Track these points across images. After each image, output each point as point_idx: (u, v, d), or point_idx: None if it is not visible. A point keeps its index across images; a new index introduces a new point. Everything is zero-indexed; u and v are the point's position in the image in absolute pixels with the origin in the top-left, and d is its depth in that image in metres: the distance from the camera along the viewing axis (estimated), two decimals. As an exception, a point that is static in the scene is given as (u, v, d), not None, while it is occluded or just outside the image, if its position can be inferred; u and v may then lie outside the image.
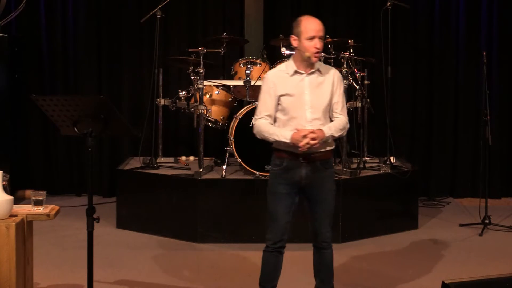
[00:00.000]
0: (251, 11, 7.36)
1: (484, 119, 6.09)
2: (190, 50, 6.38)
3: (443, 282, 3.17)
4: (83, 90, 7.41)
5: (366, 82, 6.57)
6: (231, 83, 6.39)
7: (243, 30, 7.39)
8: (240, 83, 6.23)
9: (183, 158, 6.89)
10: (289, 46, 6.32)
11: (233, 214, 5.76)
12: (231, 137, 5.85)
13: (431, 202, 7.28)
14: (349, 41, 6.19)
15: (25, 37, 7.32)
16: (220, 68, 7.14)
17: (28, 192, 6.76)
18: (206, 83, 6.12)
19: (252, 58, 6.44)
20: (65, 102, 3.66)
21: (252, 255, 5.35)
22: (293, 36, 3.89)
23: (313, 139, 3.75)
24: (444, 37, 7.49)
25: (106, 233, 5.92)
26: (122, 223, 6.16)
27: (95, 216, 3.70)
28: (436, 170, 7.53)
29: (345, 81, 5.85)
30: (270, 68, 6.40)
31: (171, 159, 6.81)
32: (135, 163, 6.55)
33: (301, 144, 3.74)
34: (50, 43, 7.42)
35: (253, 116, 4.00)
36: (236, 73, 6.49)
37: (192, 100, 6.44)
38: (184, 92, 6.50)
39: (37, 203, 3.85)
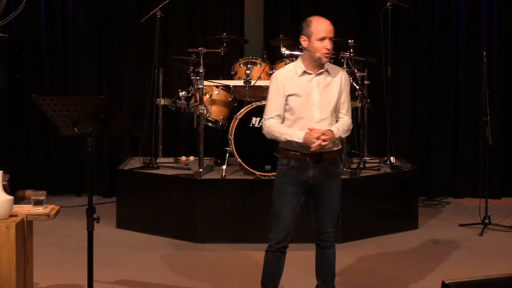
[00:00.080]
0: (251, 11, 7.36)
1: (484, 119, 6.09)
2: (190, 50, 6.38)
3: (443, 282, 3.17)
4: (83, 90, 7.41)
5: (366, 82, 6.58)
6: (231, 83, 6.39)
7: (243, 30, 7.39)
8: (240, 83, 6.23)
9: (183, 158, 6.89)
10: (289, 46, 6.37)
11: (233, 214, 5.76)
12: (231, 137, 5.85)
13: (431, 202, 7.28)
14: (349, 41, 6.19)
15: (25, 37, 7.32)
16: (220, 68, 7.14)
17: (28, 192, 6.76)
18: (206, 83, 6.12)
19: (252, 58, 6.45)
20: (65, 102, 3.65)
21: (252, 255, 5.36)
22: (302, 36, 3.88)
23: (324, 140, 3.76)
24: (444, 37, 7.49)
25: (106, 233, 5.92)
26: (122, 223, 6.16)
27: (95, 216, 3.70)
28: (436, 170, 7.54)
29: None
30: (270, 68, 6.43)
31: (171, 159, 6.82)
32: (135, 163, 6.55)
33: (313, 145, 3.75)
34: (50, 43, 7.42)
35: (262, 116, 3.98)
36: (236, 73, 6.49)
37: (192, 100, 6.44)
38: (184, 92, 6.50)
39: (37, 203, 3.84)
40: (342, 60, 6.10)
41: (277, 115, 3.90)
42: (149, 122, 6.45)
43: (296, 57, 6.28)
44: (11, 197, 3.71)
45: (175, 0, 6.86)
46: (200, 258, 5.37)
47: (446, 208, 7.09)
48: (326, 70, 3.91)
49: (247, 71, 6.24)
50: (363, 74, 6.48)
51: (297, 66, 3.93)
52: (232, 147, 5.84)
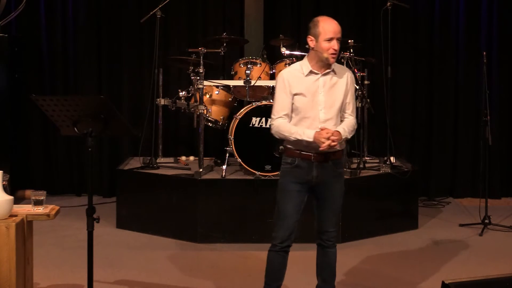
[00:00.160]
0: (251, 11, 7.36)
1: (484, 119, 6.09)
2: (190, 50, 6.38)
3: (443, 282, 3.17)
4: (83, 90, 7.41)
5: (366, 82, 6.58)
6: (231, 83, 6.39)
7: (243, 30, 7.39)
8: (240, 83, 6.23)
9: (183, 158, 6.89)
10: (289, 46, 6.37)
11: (233, 214, 5.76)
12: (231, 137, 5.85)
13: (431, 202, 7.28)
14: (349, 41, 6.19)
15: (25, 37, 7.32)
16: (220, 68, 7.14)
17: (28, 192, 6.77)
18: (206, 83, 6.12)
19: (252, 58, 6.45)
20: (65, 102, 3.65)
21: (252, 255, 5.36)
22: (310, 36, 3.87)
23: (333, 140, 3.77)
24: (444, 37, 7.49)
25: (106, 233, 5.92)
26: (122, 223, 6.16)
27: (95, 216, 3.69)
28: (436, 170, 7.54)
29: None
30: (270, 68, 6.44)
31: (171, 159, 6.82)
32: (135, 163, 6.55)
33: (323, 145, 3.74)
34: (50, 43, 7.42)
35: (271, 116, 3.96)
36: (236, 73, 6.50)
37: (192, 100, 6.44)
38: (184, 92, 6.50)
39: (37, 203, 3.84)
40: (342, 60, 6.10)
41: (285, 115, 3.90)
42: (149, 122, 6.45)
43: (296, 57, 6.31)
44: (11, 197, 3.71)
45: (175, 0, 6.86)
46: (200, 258, 5.37)
47: (446, 208, 7.09)
48: (333, 70, 3.91)
49: (247, 71, 6.25)
50: (363, 74, 6.48)
51: (304, 65, 3.92)
52: (232, 147, 5.84)
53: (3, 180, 3.71)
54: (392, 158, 6.47)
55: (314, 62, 3.89)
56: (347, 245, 5.66)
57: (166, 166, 6.41)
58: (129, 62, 7.48)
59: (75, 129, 3.72)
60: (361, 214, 5.89)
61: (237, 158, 5.83)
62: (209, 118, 6.35)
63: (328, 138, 3.75)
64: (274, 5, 7.52)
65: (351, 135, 3.98)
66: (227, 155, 5.96)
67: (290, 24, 7.52)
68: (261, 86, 6.28)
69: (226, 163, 5.93)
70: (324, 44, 3.81)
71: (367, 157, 6.61)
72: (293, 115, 3.91)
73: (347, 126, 3.92)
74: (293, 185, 3.92)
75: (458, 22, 7.46)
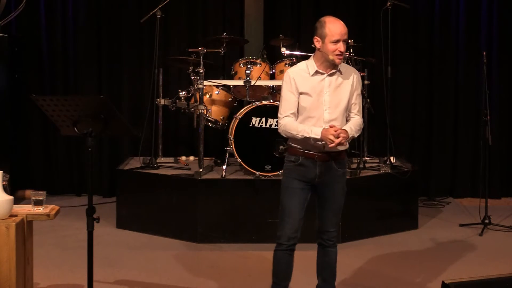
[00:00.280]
0: (251, 11, 7.36)
1: (484, 119, 6.09)
2: (190, 50, 6.38)
3: (443, 282, 3.17)
4: (83, 90, 7.41)
5: (366, 82, 6.57)
6: (231, 83, 6.39)
7: (243, 30, 7.39)
8: (240, 83, 6.24)
9: (183, 158, 6.89)
10: (289, 46, 6.37)
11: (233, 214, 5.76)
12: (231, 137, 5.85)
13: (431, 202, 7.28)
14: (349, 41, 6.18)
15: (25, 37, 7.32)
16: (220, 68, 7.14)
17: (28, 192, 6.76)
18: (206, 83, 6.12)
19: (252, 58, 6.45)
20: (65, 102, 3.65)
21: (252, 255, 5.36)
22: (316, 37, 3.87)
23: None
24: (444, 37, 7.49)
25: (106, 233, 5.92)
26: (122, 223, 6.16)
27: (95, 216, 3.70)
28: (436, 170, 7.53)
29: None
30: (270, 68, 6.44)
31: (171, 159, 6.82)
32: (135, 163, 6.55)
33: (332, 144, 3.74)
34: (50, 43, 7.42)
35: (278, 115, 3.95)
36: (236, 73, 6.50)
37: (192, 100, 6.44)
38: (184, 92, 6.50)
39: (37, 203, 3.84)
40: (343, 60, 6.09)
41: (292, 113, 3.90)
42: (149, 122, 6.45)
43: (296, 57, 6.31)
44: (11, 197, 3.71)
45: (175, 0, 6.86)
46: (200, 258, 5.37)
47: (446, 208, 7.09)
48: (339, 70, 3.91)
49: (247, 71, 6.24)
50: (363, 74, 6.48)
51: (310, 65, 3.92)
52: (232, 147, 5.84)
53: (3, 180, 3.71)
54: (392, 158, 6.47)
55: (320, 63, 3.89)
56: (347, 245, 5.66)
57: (166, 166, 6.41)
58: (129, 62, 7.48)
59: (75, 129, 3.72)
60: (361, 214, 5.88)
61: (237, 158, 5.83)
62: (209, 118, 6.35)
63: (338, 136, 3.73)
64: (274, 5, 7.52)
65: (357, 134, 3.98)
66: (227, 155, 5.96)
67: (290, 24, 7.52)
68: (261, 86, 6.28)
69: (226, 163, 5.93)
70: (331, 46, 3.81)
71: (367, 157, 6.60)
72: (298, 114, 3.91)
73: (354, 125, 3.92)
74: (296, 183, 3.92)
75: (458, 22, 7.46)
